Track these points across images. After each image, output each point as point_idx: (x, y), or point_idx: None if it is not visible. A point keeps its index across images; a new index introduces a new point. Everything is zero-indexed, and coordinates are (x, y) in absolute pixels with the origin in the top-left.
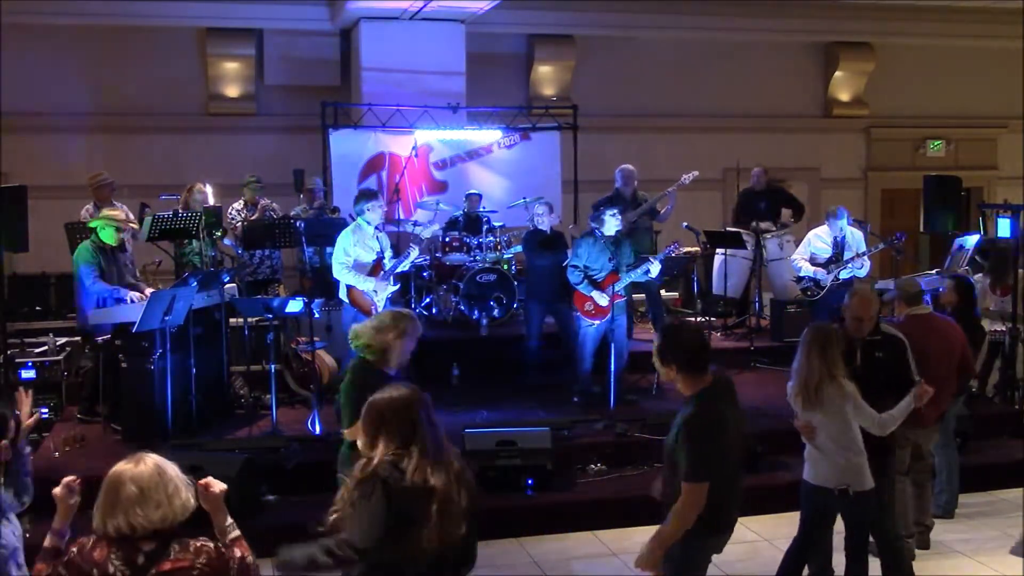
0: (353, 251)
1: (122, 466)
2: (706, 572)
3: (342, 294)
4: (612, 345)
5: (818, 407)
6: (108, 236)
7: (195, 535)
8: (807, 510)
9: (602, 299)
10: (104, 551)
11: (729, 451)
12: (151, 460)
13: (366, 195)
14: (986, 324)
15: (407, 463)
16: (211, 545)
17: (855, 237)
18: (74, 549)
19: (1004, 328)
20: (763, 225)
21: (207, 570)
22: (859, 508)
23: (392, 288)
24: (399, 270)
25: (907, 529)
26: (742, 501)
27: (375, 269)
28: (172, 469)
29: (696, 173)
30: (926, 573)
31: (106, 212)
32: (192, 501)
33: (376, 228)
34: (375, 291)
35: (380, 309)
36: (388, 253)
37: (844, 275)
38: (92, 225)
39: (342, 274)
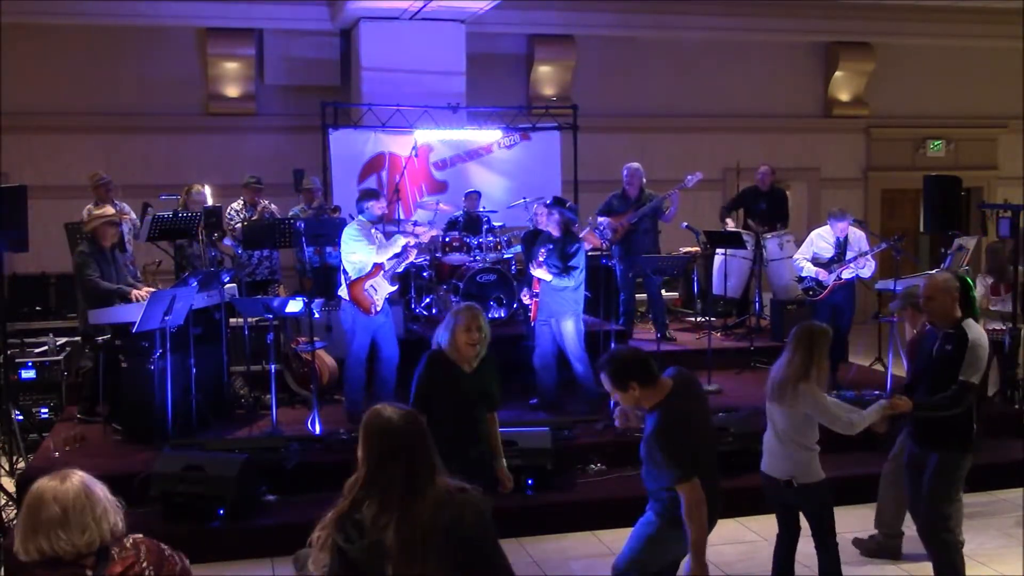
0: (363, 240)
1: (45, 483)
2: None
3: (342, 291)
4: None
5: (782, 403)
6: (102, 235)
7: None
8: (768, 499)
9: (524, 296)
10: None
11: (700, 444)
12: (77, 478)
13: (368, 194)
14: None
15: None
16: (141, 536)
17: (857, 237)
18: None
19: (1004, 328)
20: (756, 224)
21: (152, 558)
22: (805, 499)
23: (391, 288)
24: (400, 269)
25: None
26: (723, 496)
27: (376, 268)
28: (100, 490)
29: (700, 175)
30: (925, 573)
31: (95, 212)
32: (120, 524)
33: (375, 227)
34: (374, 288)
35: (380, 308)
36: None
37: (846, 275)
38: (86, 229)
39: (351, 260)
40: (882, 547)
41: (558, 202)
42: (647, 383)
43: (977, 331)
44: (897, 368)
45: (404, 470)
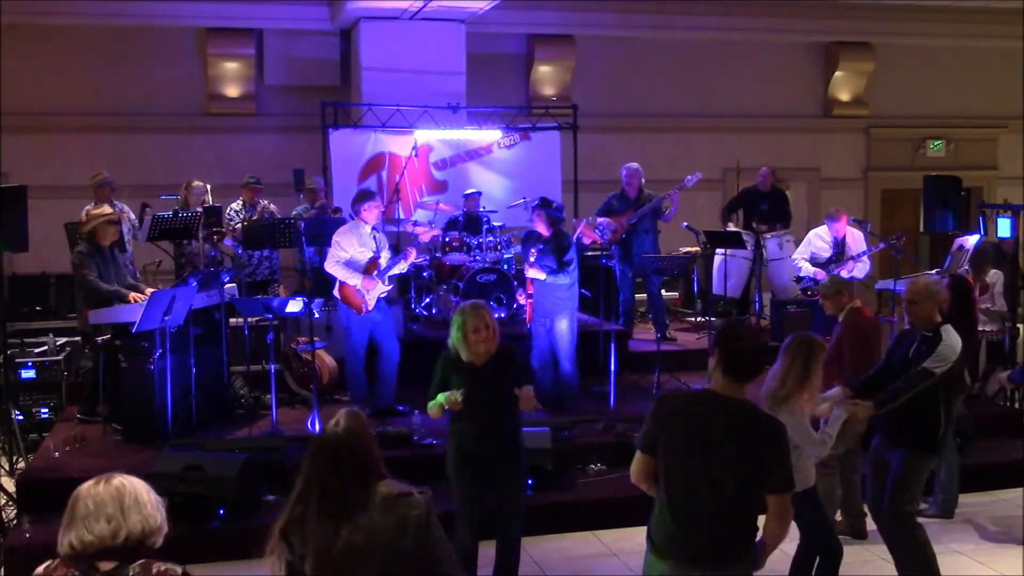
0: (349, 247)
1: (87, 483)
2: None
3: (336, 291)
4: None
5: (777, 412)
6: (101, 235)
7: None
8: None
9: (520, 297)
10: (64, 570)
11: (676, 451)
12: (116, 482)
13: (364, 195)
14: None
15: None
16: (177, 571)
17: (855, 237)
18: (40, 570)
19: (999, 328)
20: (761, 227)
21: None
22: (802, 507)
23: (386, 288)
24: (394, 272)
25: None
26: (705, 541)
27: (370, 268)
28: (135, 487)
29: (700, 175)
30: None
31: (93, 212)
32: (156, 521)
33: (374, 228)
34: (366, 290)
35: (371, 308)
36: (385, 254)
37: (844, 275)
38: (84, 229)
39: (331, 267)
40: (847, 527)
41: (544, 203)
42: (726, 372)
43: (951, 335)
44: None
45: (341, 480)
